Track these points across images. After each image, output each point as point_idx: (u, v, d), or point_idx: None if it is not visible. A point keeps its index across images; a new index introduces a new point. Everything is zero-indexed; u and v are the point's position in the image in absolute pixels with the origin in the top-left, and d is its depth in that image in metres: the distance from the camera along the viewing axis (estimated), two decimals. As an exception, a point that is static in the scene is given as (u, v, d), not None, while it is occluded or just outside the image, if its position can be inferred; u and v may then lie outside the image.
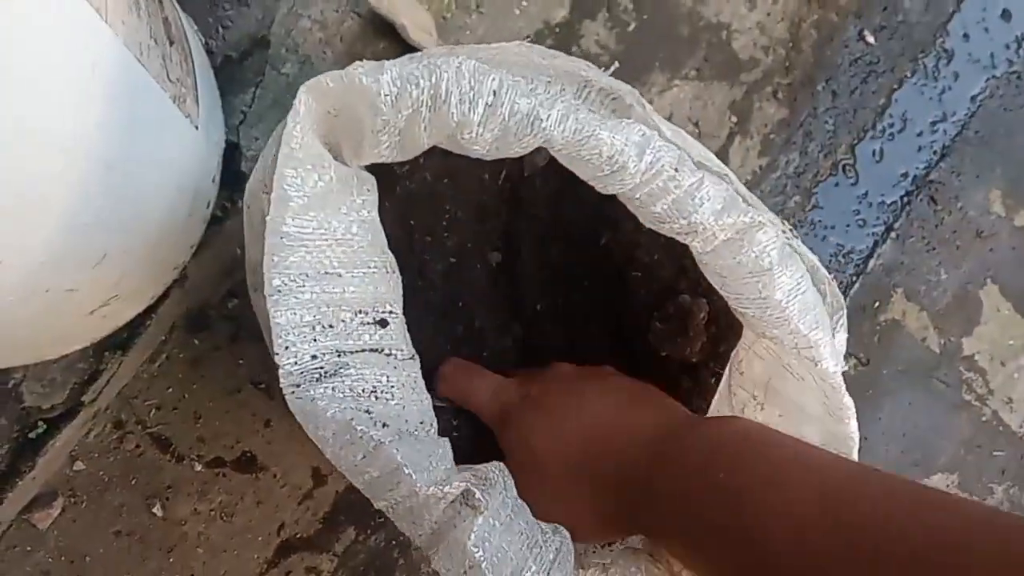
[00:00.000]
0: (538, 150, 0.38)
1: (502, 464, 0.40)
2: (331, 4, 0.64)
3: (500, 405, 0.51)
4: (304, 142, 0.35)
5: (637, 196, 0.37)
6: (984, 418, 0.88)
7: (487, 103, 0.33)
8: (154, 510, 0.71)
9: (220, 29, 0.59)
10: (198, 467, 0.72)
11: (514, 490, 0.39)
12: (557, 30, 0.79)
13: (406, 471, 0.36)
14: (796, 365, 0.42)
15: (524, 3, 0.78)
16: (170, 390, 0.72)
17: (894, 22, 0.86)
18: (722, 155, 0.82)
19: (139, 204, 0.43)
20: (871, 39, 0.85)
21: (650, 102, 0.81)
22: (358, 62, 0.34)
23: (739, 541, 0.36)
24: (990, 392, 0.88)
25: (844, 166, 0.85)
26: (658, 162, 0.35)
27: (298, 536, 0.75)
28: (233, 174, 0.61)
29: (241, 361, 0.73)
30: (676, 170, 0.35)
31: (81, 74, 0.34)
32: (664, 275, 0.53)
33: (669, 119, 0.83)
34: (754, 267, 0.38)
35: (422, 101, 0.34)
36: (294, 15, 0.62)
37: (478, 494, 0.36)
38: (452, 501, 0.36)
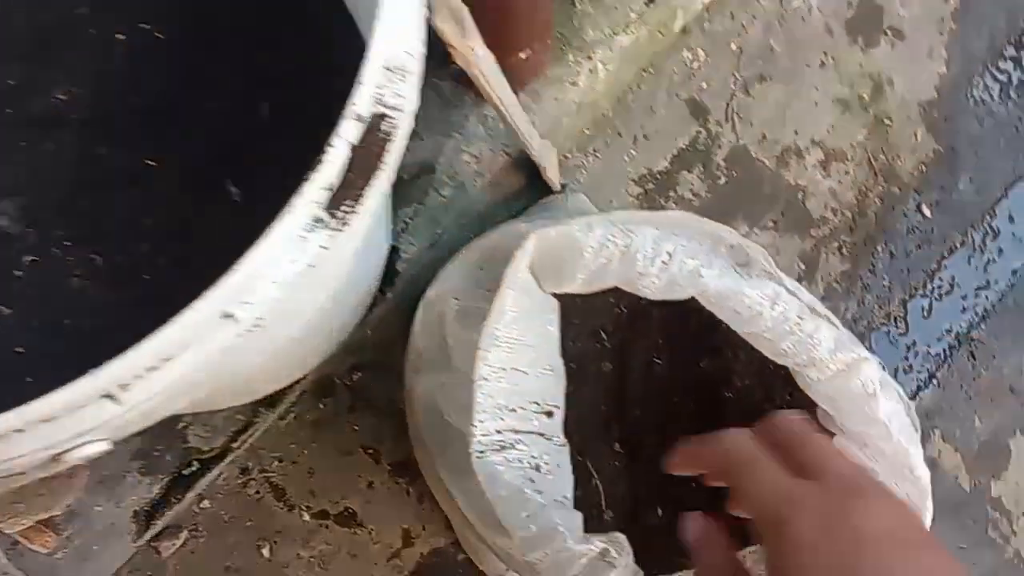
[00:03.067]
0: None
1: (623, 536, 0.49)
2: (487, 144, 0.76)
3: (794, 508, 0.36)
4: (524, 273, 0.45)
5: (767, 336, 0.47)
6: (1007, 556, 0.95)
7: (664, 261, 0.44)
8: (263, 551, 0.79)
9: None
10: (306, 517, 0.81)
11: (631, 556, 0.48)
12: (658, 177, 0.91)
13: (560, 529, 0.45)
14: (883, 472, 0.51)
15: (633, 152, 0.91)
16: (293, 445, 0.81)
17: (949, 200, 0.97)
18: (789, 297, 0.92)
19: (356, 307, 0.54)
20: (927, 212, 0.96)
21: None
22: (573, 220, 0.45)
23: None
24: (1013, 532, 0.95)
25: (896, 318, 0.94)
26: (786, 311, 0.46)
27: (385, 590, 0.83)
28: (389, 271, 0.72)
29: (356, 428, 0.82)
30: (800, 318, 0.46)
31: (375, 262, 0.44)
32: (755, 398, 0.63)
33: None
34: (860, 392, 0.47)
35: (616, 255, 0.44)
36: (458, 150, 0.74)
37: (613, 552, 0.45)
38: (593, 556, 0.45)
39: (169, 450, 0.68)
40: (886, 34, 0.99)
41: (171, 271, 0.49)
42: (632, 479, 0.64)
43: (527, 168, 0.82)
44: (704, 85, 0.94)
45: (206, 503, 0.78)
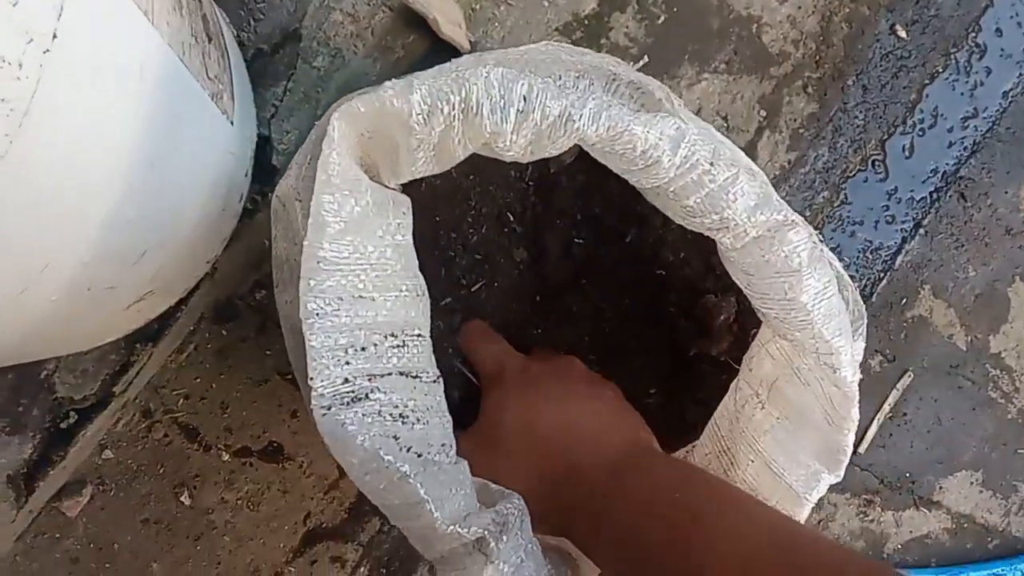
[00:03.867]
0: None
1: (521, 502, 0.40)
2: (362, -3, 0.63)
3: (499, 368, 0.52)
4: (341, 167, 0.34)
5: (671, 190, 0.35)
6: (1010, 416, 0.87)
7: (518, 110, 0.32)
8: (182, 499, 0.71)
9: (252, 22, 0.59)
10: (225, 456, 0.72)
11: (529, 531, 0.39)
12: (586, 23, 0.77)
13: (428, 507, 0.35)
14: (806, 370, 0.41)
15: (553, -5, 0.77)
16: (198, 380, 0.71)
17: (926, 16, 0.84)
18: (751, 150, 0.80)
19: (177, 201, 0.43)
20: (903, 33, 0.83)
21: (679, 96, 0.80)
22: (387, 82, 0.33)
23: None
24: (1016, 390, 0.86)
25: (874, 162, 0.83)
26: (693, 156, 0.34)
27: (323, 526, 0.75)
28: (264, 168, 0.60)
29: (268, 352, 0.73)
30: (711, 164, 0.34)
31: (130, 76, 0.33)
32: (691, 274, 0.52)
33: (698, 113, 0.81)
34: (783, 267, 0.37)
35: (454, 115, 0.33)
36: (326, 8, 0.61)
37: (492, 543, 0.36)
38: (465, 543, 0.36)
39: (35, 403, 0.59)
40: None
41: None
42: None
43: (419, 24, 0.69)
44: (633, -91, 0.79)
45: (108, 453, 0.69)
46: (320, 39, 0.61)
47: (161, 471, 0.70)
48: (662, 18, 0.78)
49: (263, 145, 0.60)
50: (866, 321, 0.41)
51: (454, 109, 0.32)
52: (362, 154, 0.36)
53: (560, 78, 0.37)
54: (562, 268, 0.55)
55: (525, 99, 0.32)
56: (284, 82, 0.60)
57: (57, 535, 0.69)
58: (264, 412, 0.72)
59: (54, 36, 0.26)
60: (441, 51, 0.73)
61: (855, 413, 0.41)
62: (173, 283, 0.56)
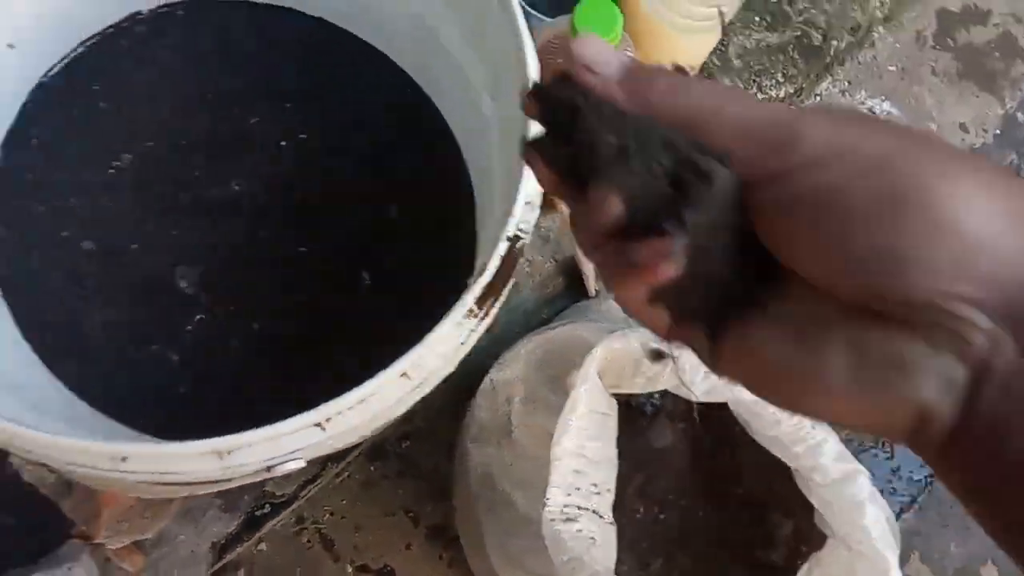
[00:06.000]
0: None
1: None
2: (540, 251, 0.89)
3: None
4: (593, 375, 0.57)
5: (785, 439, 0.58)
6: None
7: (706, 371, 0.56)
8: (308, 598, 0.88)
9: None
10: (349, 570, 0.89)
11: None
12: (684, 294, 1.03)
13: None
14: (863, 574, 0.61)
15: (664, 270, 1.03)
16: (344, 501, 0.90)
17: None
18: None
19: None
20: (917, 350, 1.08)
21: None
22: (631, 331, 0.57)
23: None
24: (982, 659, 1.03)
25: (884, 443, 1.05)
26: (802, 421, 0.57)
27: (414, 650, 0.90)
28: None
29: (400, 491, 0.91)
30: (812, 427, 0.57)
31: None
32: (761, 496, 0.73)
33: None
34: (852, 499, 0.58)
35: (668, 364, 0.56)
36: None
37: None
38: None
39: (248, 491, 0.77)
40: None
41: (308, 344, 0.60)
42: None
43: (567, 274, 0.95)
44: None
45: (263, 546, 0.86)
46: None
47: (298, 571, 0.87)
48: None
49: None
50: (899, 544, 0.62)
51: (670, 361, 0.56)
52: (600, 370, 0.59)
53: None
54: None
55: (711, 367, 0.55)
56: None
57: (203, 606, 0.84)
58: (386, 540, 0.90)
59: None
60: (571, 293, 0.98)
61: None
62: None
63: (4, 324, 0.58)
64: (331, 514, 0.89)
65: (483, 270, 0.43)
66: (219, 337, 0.58)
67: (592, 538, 0.56)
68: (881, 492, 1.06)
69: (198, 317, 0.58)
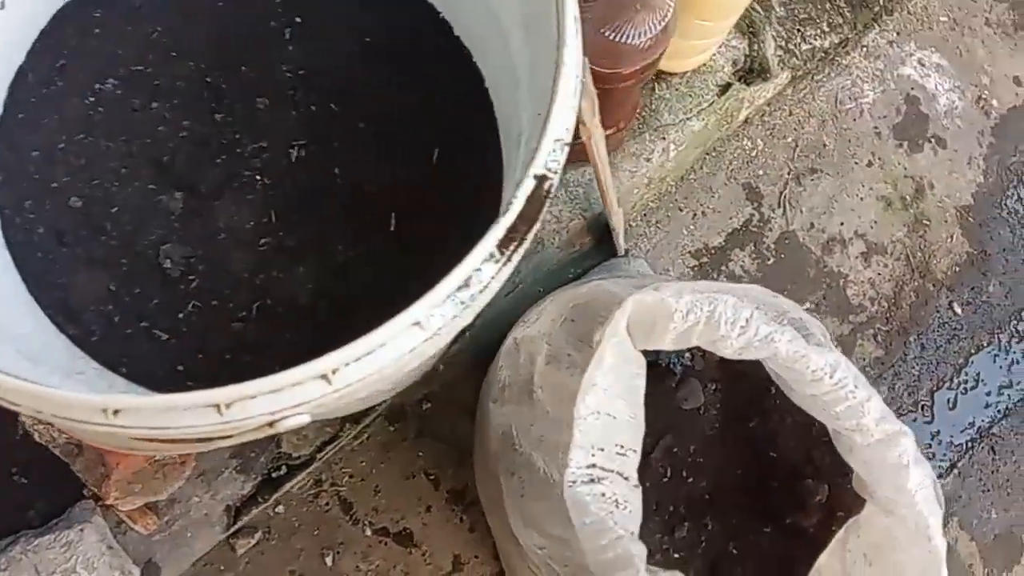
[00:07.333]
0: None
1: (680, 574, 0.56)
2: (567, 207, 0.85)
3: None
4: (620, 330, 0.53)
5: (826, 399, 0.54)
6: (1015, 649, 1.00)
7: (742, 326, 0.52)
8: (326, 560, 0.85)
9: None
10: (368, 532, 0.87)
11: None
12: (713, 252, 0.99)
13: (635, 560, 0.52)
14: (906, 539, 0.57)
15: (691, 227, 0.99)
16: (363, 463, 0.88)
17: (979, 300, 1.04)
18: (825, 375, 0.99)
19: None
20: (958, 310, 1.03)
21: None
22: (663, 286, 0.53)
23: None
24: (1023, 628, 1.00)
25: (923, 406, 1.01)
26: (844, 379, 0.53)
27: (432, 611, 0.88)
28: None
29: (420, 453, 0.89)
30: (856, 387, 0.53)
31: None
32: (795, 461, 0.69)
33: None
34: (896, 461, 0.54)
35: (701, 319, 0.52)
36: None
37: None
38: None
39: (263, 452, 0.75)
40: (930, 141, 1.08)
41: (327, 311, 0.57)
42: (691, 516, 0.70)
43: (596, 232, 0.91)
44: (760, 172, 1.03)
45: (281, 508, 0.84)
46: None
47: (316, 533, 0.85)
48: (771, 260, 1.00)
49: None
50: (943, 508, 0.58)
51: (703, 315, 0.52)
52: (629, 325, 0.55)
53: (761, 307, 0.57)
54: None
55: (747, 321, 0.51)
56: (504, 254, 0.80)
57: (221, 567, 0.83)
58: (406, 502, 0.88)
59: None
60: (601, 251, 0.94)
61: (944, 571, 0.57)
62: (404, 384, 0.75)
63: (6, 276, 0.55)
64: (350, 476, 0.87)
65: (508, 208, 0.40)
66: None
67: (616, 501, 0.53)
68: (919, 456, 1.03)
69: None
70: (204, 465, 0.74)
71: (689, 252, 0.99)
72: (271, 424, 0.38)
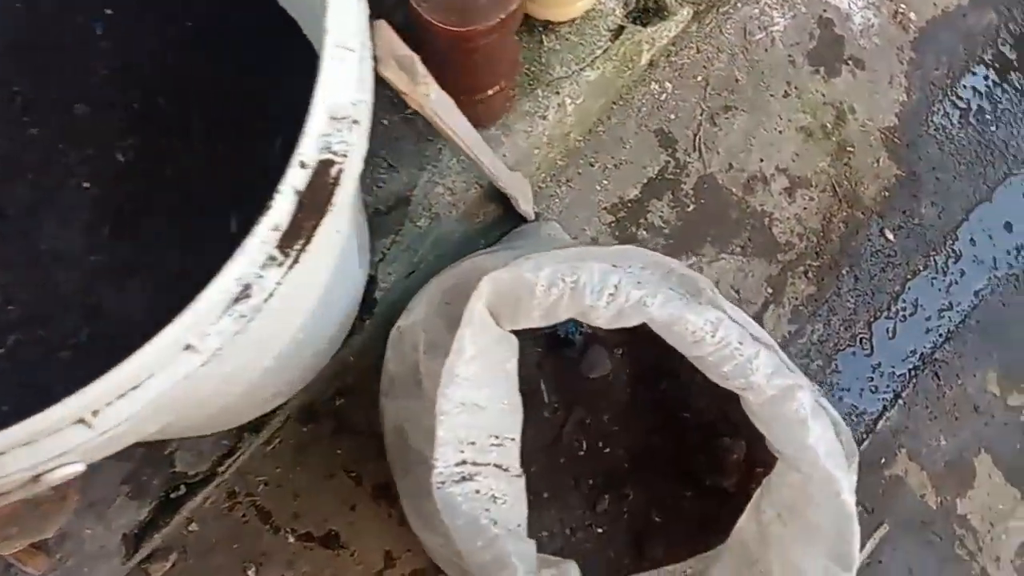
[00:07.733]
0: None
1: (575, 564, 0.52)
2: (461, 176, 0.80)
3: None
4: (480, 314, 0.49)
5: (711, 359, 0.50)
6: (973, 573, 0.97)
7: (611, 293, 0.47)
8: (248, 573, 0.82)
9: (375, 189, 0.75)
10: (290, 539, 0.83)
11: None
12: (629, 205, 0.94)
13: (512, 560, 0.48)
14: (817, 495, 0.54)
15: (604, 182, 0.94)
16: (278, 469, 0.83)
17: (911, 224, 1.00)
18: (757, 320, 0.95)
19: (329, 325, 0.57)
20: (891, 236, 0.99)
21: (700, 270, 0.95)
22: (523, 260, 0.49)
23: None
24: (980, 549, 0.97)
25: (861, 339, 0.97)
26: (727, 336, 0.49)
27: (366, 612, 0.85)
28: (368, 300, 0.75)
29: (338, 451, 0.85)
30: (740, 343, 0.49)
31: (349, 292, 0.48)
32: (710, 418, 0.66)
33: (716, 285, 0.97)
34: (793, 417, 0.50)
35: (566, 290, 0.48)
36: (432, 183, 0.77)
37: None
38: None
39: (157, 474, 0.71)
40: (847, 64, 1.03)
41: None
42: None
43: (502, 199, 0.86)
44: (672, 116, 0.98)
45: (194, 526, 0.80)
46: (424, 205, 0.77)
47: (235, 547, 0.82)
48: (691, 207, 0.95)
49: (369, 283, 0.75)
50: (858, 457, 0.55)
51: (567, 286, 0.47)
52: (491, 306, 0.51)
53: (637, 268, 0.52)
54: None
55: (616, 287, 0.47)
56: (392, 235, 0.75)
57: (139, 594, 0.79)
58: (328, 503, 0.84)
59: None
60: (511, 218, 0.89)
61: (856, 527, 0.53)
62: (295, 386, 0.70)
63: None
64: (265, 484, 0.83)
65: (268, 207, 0.35)
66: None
67: (492, 497, 0.49)
68: (861, 391, 0.99)
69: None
70: (92, 495, 0.69)
71: (605, 208, 0.94)
72: (36, 479, 0.34)
